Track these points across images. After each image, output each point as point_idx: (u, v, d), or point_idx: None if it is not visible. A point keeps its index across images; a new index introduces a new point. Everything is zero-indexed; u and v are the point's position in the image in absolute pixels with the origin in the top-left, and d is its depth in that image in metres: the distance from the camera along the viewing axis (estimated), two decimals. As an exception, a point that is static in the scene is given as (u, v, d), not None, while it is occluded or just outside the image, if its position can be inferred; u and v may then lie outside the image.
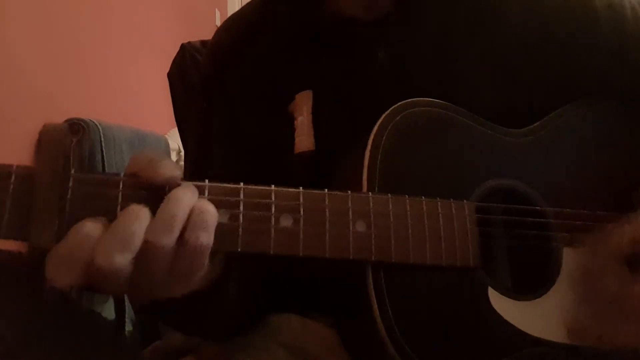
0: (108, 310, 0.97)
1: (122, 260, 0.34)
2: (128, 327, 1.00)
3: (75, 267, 0.34)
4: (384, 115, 0.49)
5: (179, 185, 0.38)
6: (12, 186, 0.35)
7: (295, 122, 0.57)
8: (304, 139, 0.56)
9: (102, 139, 1.20)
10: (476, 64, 0.56)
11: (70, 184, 0.36)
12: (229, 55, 0.63)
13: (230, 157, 0.61)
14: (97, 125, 1.20)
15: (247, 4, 0.67)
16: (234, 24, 0.67)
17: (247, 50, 0.62)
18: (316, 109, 0.56)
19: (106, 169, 1.14)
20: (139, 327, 1.05)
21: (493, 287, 0.48)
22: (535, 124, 0.55)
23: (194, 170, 0.64)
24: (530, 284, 0.50)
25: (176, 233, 0.36)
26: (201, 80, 0.68)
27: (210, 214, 0.37)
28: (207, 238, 0.37)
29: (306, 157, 0.56)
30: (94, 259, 0.34)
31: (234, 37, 0.65)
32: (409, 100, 0.50)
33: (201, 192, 0.39)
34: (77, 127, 1.17)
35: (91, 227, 0.35)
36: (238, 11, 0.68)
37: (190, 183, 0.39)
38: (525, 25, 0.57)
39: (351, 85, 0.56)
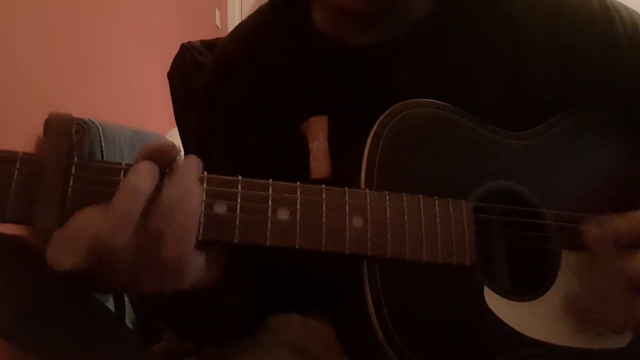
0: (108, 310, 0.97)
1: (124, 239, 0.35)
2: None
3: (79, 250, 0.35)
4: (384, 115, 0.49)
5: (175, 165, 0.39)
6: (17, 171, 0.36)
7: (310, 145, 0.56)
8: (320, 165, 0.55)
9: (102, 139, 1.20)
10: (496, 84, 0.56)
11: (73, 170, 0.37)
12: (234, 66, 0.61)
13: (232, 169, 0.60)
14: (97, 125, 1.20)
15: (256, 12, 0.64)
16: (241, 34, 0.65)
17: (255, 62, 0.60)
18: (332, 135, 0.56)
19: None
20: (139, 327, 1.06)
21: (489, 288, 0.48)
22: (536, 127, 0.55)
23: None
24: (527, 285, 0.50)
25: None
26: (204, 89, 0.65)
27: (194, 197, 0.37)
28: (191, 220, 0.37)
29: (323, 183, 0.55)
30: (99, 238, 0.35)
31: (240, 48, 0.62)
32: (410, 100, 0.50)
33: (199, 183, 0.39)
34: (77, 127, 1.17)
35: (96, 212, 0.36)
36: (246, 20, 0.66)
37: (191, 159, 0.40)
38: (547, 49, 0.57)
39: (368, 108, 0.53)
